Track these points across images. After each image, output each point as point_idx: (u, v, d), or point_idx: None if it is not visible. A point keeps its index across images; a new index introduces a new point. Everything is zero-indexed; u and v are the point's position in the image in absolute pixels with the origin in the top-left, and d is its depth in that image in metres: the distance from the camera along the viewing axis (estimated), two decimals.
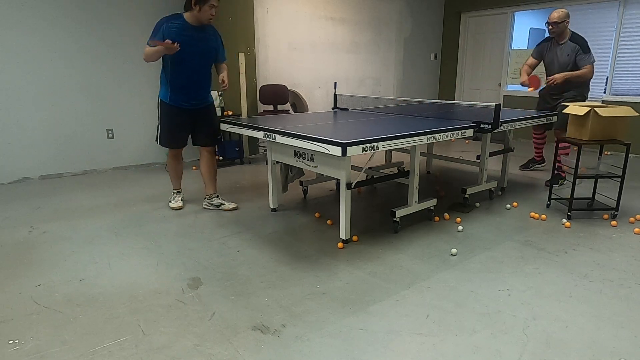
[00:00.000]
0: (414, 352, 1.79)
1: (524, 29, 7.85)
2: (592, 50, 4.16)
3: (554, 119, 4.12)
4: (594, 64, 4.14)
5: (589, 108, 3.18)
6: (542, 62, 4.43)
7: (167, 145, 3.43)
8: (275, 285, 2.35)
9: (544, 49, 4.37)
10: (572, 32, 4.21)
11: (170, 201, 3.66)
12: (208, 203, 3.63)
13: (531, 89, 4.32)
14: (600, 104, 3.36)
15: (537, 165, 5.04)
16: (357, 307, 2.13)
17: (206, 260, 2.66)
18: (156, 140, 3.42)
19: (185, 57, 3.14)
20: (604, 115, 3.13)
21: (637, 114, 3.37)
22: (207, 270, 2.53)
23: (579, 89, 4.22)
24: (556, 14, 4.11)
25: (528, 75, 4.36)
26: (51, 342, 1.86)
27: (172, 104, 3.28)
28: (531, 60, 4.47)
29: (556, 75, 4.11)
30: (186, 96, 3.28)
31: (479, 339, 1.87)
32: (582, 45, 4.12)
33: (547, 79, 4.22)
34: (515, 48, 7.15)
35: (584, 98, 4.27)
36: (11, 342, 1.86)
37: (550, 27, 4.17)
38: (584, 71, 4.08)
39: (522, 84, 4.39)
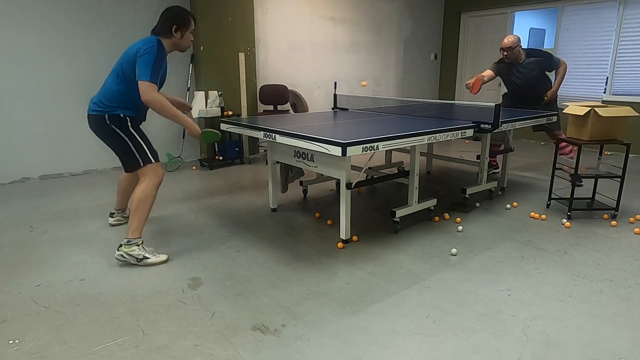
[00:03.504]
0: (414, 352, 1.79)
1: (524, 29, 7.85)
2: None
3: (554, 119, 4.13)
4: (560, 59, 4.34)
5: (589, 108, 3.19)
6: (497, 77, 4.57)
7: (157, 159, 2.79)
8: (275, 285, 2.35)
9: (502, 69, 4.46)
10: (526, 49, 4.37)
11: (148, 256, 2.68)
12: (121, 217, 3.27)
13: (474, 92, 4.36)
14: (600, 104, 3.37)
15: (494, 170, 4.84)
16: (357, 307, 2.13)
17: (206, 260, 2.66)
18: (147, 162, 2.71)
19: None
20: (604, 115, 3.13)
21: (637, 114, 3.37)
22: (207, 270, 2.53)
23: (552, 105, 4.37)
24: (508, 41, 4.24)
25: (478, 84, 4.38)
26: (51, 342, 1.86)
27: (136, 116, 2.78)
28: (488, 72, 4.48)
29: (549, 95, 4.31)
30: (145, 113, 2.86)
31: (479, 339, 1.87)
32: (542, 56, 4.29)
33: (545, 101, 4.35)
34: None
35: (555, 115, 4.20)
36: (11, 342, 1.86)
37: (505, 53, 4.28)
38: (561, 70, 4.28)
39: (467, 85, 4.41)
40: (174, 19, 2.70)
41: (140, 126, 2.79)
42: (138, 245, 2.61)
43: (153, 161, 2.73)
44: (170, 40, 2.71)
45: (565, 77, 4.36)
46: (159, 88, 2.68)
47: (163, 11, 2.72)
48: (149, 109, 2.71)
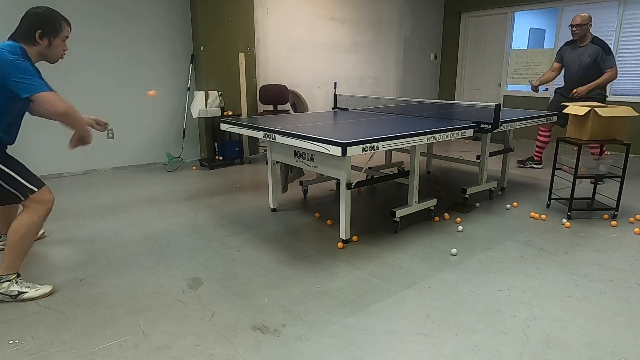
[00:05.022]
0: (414, 352, 1.79)
1: (524, 29, 7.85)
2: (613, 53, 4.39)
3: (554, 118, 4.14)
4: (614, 66, 4.35)
5: (589, 108, 3.19)
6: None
7: (41, 184, 2.31)
8: (275, 285, 2.35)
9: (564, 52, 4.64)
10: (594, 36, 4.44)
11: (25, 290, 2.23)
12: None
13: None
14: (600, 104, 3.37)
15: (533, 164, 5.12)
16: (357, 307, 2.13)
17: (206, 260, 2.66)
18: (28, 193, 2.23)
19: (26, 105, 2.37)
20: (604, 115, 3.13)
21: (637, 114, 3.37)
22: (207, 270, 2.53)
23: (601, 89, 4.44)
24: (579, 17, 4.38)
25: (542, 82, 4.74)
26: (51, 342, 1.86)
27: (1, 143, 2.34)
28: (555, 64, 4.74)
29: (580, 89, 4.33)
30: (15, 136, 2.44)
31: (479, 339, 1.87)
32: (604, 48, 4.34)
33: (571, 93, 4.40)
34: (515, 48, 7.15)
35: (604, 97, 4.48)
36: (11, 342, 1.86)
37: (574, 29, 4.40)
38: (607, 75, 4.30)
39: (533, 85, 4.75)
40: (39, 22, 2.25)
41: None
42: (10, 281, 2.19)
43: (36, 189, 2.24)
44: (35, 48, 2.27)
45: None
46: (27, 104, 2.28)
47: (26, 12, 2.29)
48: (19, 130, 2.32)
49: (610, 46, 4.40)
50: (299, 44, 6.12)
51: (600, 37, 4.52)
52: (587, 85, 4.31)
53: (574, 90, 4.35)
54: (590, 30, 4.44)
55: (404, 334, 1.91)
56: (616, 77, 4.35)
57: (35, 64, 2.31)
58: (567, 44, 4.64)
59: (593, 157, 3.66)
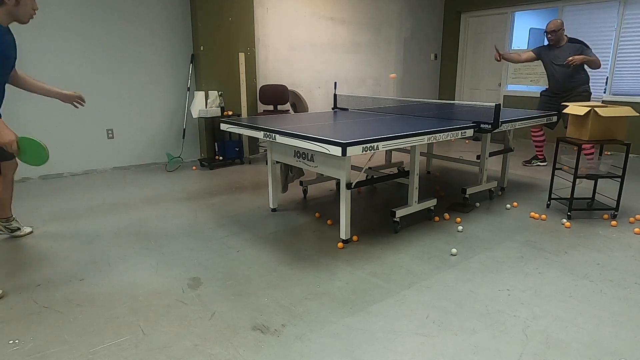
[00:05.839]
0: (414, 352, 1.79)
1: (524, 29, 7.85)
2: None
3: (554, 118, 4.15)
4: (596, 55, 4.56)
5: (589, 108, 3.19)
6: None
7: (10, 156, 2.62)
8: (275, 285, 2.35)
9: (543, 51, 4.83)
10: (568, 37, 4.67)
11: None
12: (2, 227, 2.95)
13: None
14: (600, 104, 3.37)
15: (539, 162, 5.26)
16: (357, 307, 2.13)
17: (206, 260, 2.66)
18: None
19: (6, 72, 2.44)
20: (604, 115, 3.13)
21: (637, 114, 3.37)
22: (207, 270, 2.53)
23: (585, 85, 4.66)
24: (552, 24, 4.61)
25: (506, 58, 4.91)
26: (51, 342, 1.86)
27: None
28: (530, 54, 4.89)
29: (576, 57, 4.42)
30: None
31: (479, 339, 1.87)
32: (583, 43, 4.58)
33: (567, 60, 4.48)
34: (515, 48, 7.15)
35: (589, 94, 4.68)
36: (11, 342, 1.86)
37: (549, 35, 4.64)
38: (596, 57, 4.47)
39: (498, 52, 4.81)
40: None
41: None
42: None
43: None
44: (2, 8, 2.24)
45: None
46: (7, 71, 2.33)
47: None
48: (3, 99, 2.44)
49: (582, 40, 4.63)
50: (299, 44, 6.12)
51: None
52: (582, 56, 4.41)
53: (570, 59, 4.43)
54: (566, 33, 4.67)
55: (404, 334, 1.91)
56: (600, 64, 4.51)
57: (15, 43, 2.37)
58: (544, 46, 4.82)
59: (587, 160, 3.68)
